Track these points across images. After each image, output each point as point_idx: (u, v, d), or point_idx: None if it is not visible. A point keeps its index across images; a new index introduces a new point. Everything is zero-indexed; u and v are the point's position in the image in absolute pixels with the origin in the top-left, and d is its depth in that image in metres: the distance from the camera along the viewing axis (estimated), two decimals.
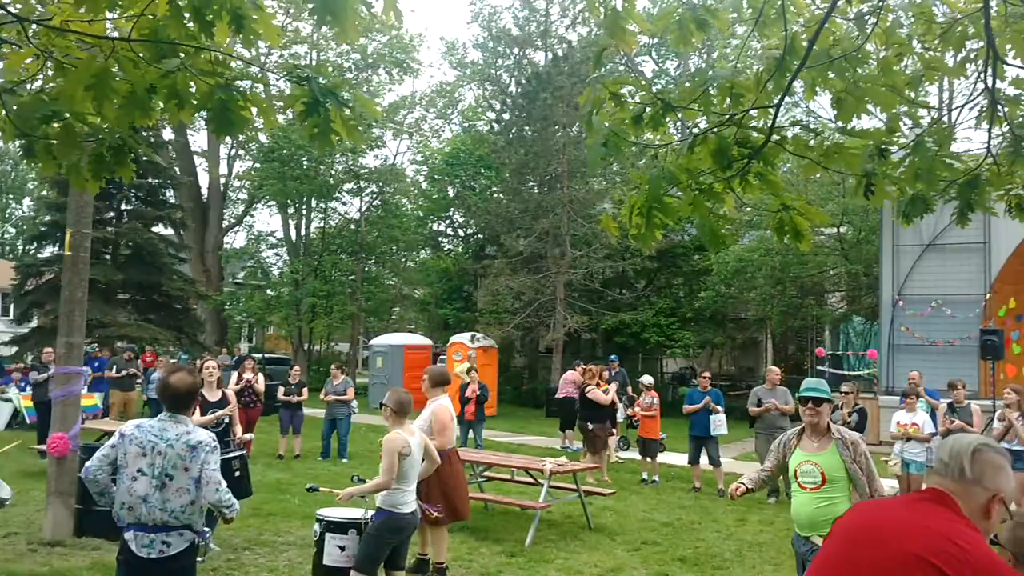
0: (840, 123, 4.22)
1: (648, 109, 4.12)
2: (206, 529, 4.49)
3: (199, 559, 4.49)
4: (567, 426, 16.62)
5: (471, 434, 15.24)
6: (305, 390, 15.05)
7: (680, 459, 14.18)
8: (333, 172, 33.45)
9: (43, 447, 10.18)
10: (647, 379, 13.83)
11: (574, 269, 24.94)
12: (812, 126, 4.29)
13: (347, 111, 3.37)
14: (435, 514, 6.89)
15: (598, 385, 13.58)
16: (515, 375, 30.50)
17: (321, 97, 3.23)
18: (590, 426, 13.20)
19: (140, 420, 4.50)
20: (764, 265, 23.11)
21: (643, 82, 4.41)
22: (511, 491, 10.94)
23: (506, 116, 30.75)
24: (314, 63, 32.02)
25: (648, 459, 12.98)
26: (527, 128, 27.65)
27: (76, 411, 8.56)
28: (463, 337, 24.50)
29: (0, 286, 41.02)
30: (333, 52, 34.29)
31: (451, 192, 34.85)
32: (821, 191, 23.32)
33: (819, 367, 21.78)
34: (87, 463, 4.42)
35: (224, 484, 4.34)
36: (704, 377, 12.92)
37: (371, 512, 5.99)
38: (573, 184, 25.48)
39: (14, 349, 24.83)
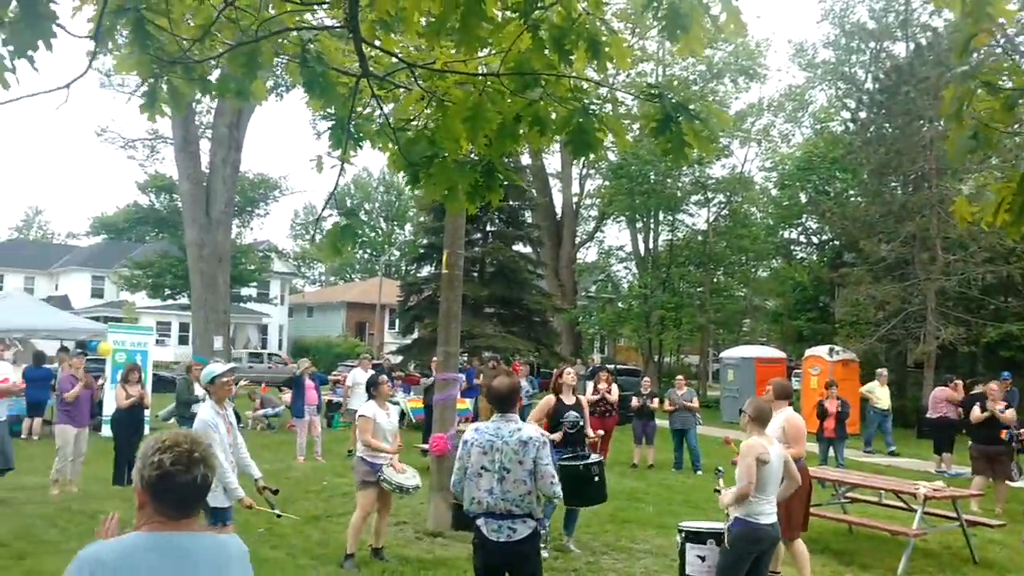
0: None
1: None
2: (544, 518, 5.07)
3: (542, 545, 4.99)
4: (942, 448, 15.18)
5: (831, 452, 14.45)
6: (657, 400, 15.23)
7: None
8: (680, 184, 33.66)
9: (426, 446, 11.36)
10: None
11: (947, 275, 22.63)
12: None
13: (698, 122, 3.41)
14: None
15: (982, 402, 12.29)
16: None
17: (673, 113, 3.30)
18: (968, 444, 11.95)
19: (477, 424, 5.14)
20: None
21: (1021, 67, 3.90)
22: (878, 515, 10.17)
23: (862, 114, 28.92)
24: (660, 79, 32.49)
25: None
26: (887, 125, 25.76)
27: (453, 414, 9.45)
28: (820, 350, 23.33)
29: (388, 302, 46.78)
30: (678, 66, 34.52)
31: (803, 198, 33.43)
32: None
33: None
34: (451, 481, 5.13)
35: (556, 477, 4.87)
36: None
37: (730, 521, 5.91)
38: (943, 182, 23.16)
39: (399, 358, 28.04)
